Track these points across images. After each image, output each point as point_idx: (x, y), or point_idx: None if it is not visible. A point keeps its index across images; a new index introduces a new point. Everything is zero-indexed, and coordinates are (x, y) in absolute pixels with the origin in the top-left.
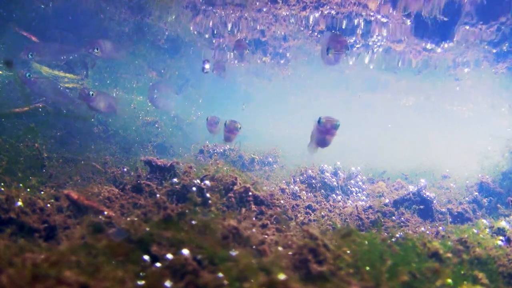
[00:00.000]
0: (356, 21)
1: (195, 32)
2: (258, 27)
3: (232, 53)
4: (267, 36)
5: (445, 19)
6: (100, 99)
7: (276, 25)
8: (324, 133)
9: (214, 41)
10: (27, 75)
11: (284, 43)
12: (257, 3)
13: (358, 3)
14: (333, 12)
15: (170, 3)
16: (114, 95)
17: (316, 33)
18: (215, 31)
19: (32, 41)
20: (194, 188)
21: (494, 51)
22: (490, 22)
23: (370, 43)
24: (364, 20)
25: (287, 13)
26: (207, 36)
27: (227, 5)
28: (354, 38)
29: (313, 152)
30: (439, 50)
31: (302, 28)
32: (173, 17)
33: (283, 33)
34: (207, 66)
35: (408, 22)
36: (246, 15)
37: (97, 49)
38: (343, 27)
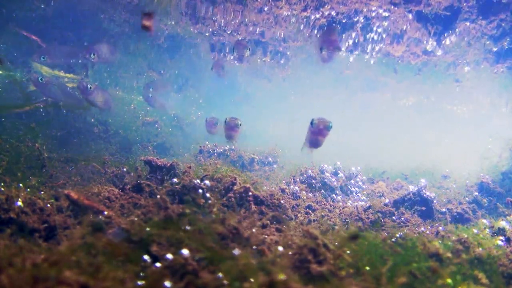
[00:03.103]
0: (356, 19)
1: (195, 32)
2: (258, 30)
3: (232, 55)
4: (267, 38)
5: (447, 13)
6: (98, 94)
7: (276, 27)
8: (316, 134)
9: (214, 38)
10: (40, 79)
11: (284, 43)
12: (258, 0)
13: (360, 1)
14: (333, 13)
15: (169, 8)
16: (114, 94)
17: (316, 31)
18: (215, 32)
19: (32, 41)
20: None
21: (495, 49)
22: (490, 17)
23: (369, 47)
24: (364, 17)
25: (288, 13)
26: (207, 34)
27: (227, 2)
28: (354, 34)
29: (308, 153)
30: (439, 52)
31: (302, 27)
32: (173, 22)
33: (282, 35)
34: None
35: (410, 16)
36: (246, 20)
37: (94, 55)
38: (343, 22)
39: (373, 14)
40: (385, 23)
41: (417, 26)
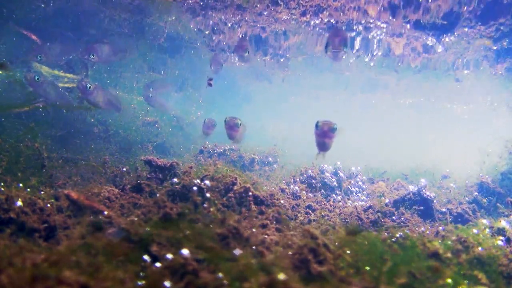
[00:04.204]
0: (355, 27)
1: (195, 29)
2: (258, 25)
3: (232, 54)
4: (268, 31)
5: (444, 22)
6: (98, 94)
7: (276, 24)
8: (322, 136)
9: (214, 38)
10: (36, 78)
11: (284, 42)
12: (258, 6)
13: (358, 8)
14: (332, 20)
15: (169, 7)
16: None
17: (317, 29)
18: (215, 28)
19: (32, 40)
20: (194, 188)
21: (495, 47)
22: (489, 22)
23: (370, 37)
24: (363, 27)
25: (288, 17)
26: (207, 32)
27: (227, 8)
28: (353, 34)
29: (320, 157)
30: (439, 49)
31: (303, 26)
32: (173, 18)
33: (283, 29)
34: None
35: (408, 26)
36: (246, 18)
37: (93, 55)
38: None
39: (371, 25)
40: (383, 32)
41: (415, 34)
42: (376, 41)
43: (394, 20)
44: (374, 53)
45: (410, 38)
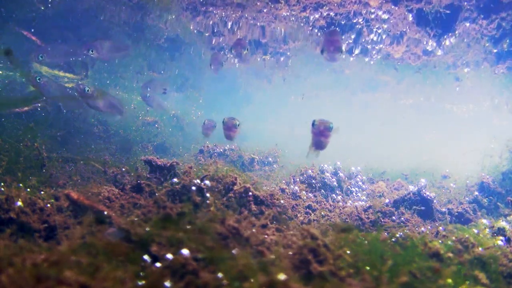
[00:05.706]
0: (355, 20)
1: (195, 31)
2: (258, 24)
3: (231, 54)
4: (267, 33)
5: (447, 11)
6: (98, 97)
7: (276, 22)
8: (318, 135)
9: (213, 40)
10: (37, 78)
11: (284, 45)
12: (258, 3)
13: (359, 1)
14: (332, 14)
15: (170, 4)
16: (115, 95)
17: (316, 30)
18: (215, 30)
19: (32, 41)
20: (194, 188)
21: (495, 50)
22: (491, 16)
23: (369, 47)
24: (364, 19)
25: (288, 14)
26: (207, 34)
27: (227, 6)
28: (353, 36)
29: (313, 155)
30: (439, 52)
31: (302, 24)
32: (173, 16)
33: (283, 31)
34: None
35: (410, 17)
36: (246, 15)
37: (92, 51)
38: (343, 24)
39: (372, 16)
40: (385, 26)
41: (416, 29)
42: (376, 38)
43: (396, 8)
44: (374, 51)
45: (409, 44)
